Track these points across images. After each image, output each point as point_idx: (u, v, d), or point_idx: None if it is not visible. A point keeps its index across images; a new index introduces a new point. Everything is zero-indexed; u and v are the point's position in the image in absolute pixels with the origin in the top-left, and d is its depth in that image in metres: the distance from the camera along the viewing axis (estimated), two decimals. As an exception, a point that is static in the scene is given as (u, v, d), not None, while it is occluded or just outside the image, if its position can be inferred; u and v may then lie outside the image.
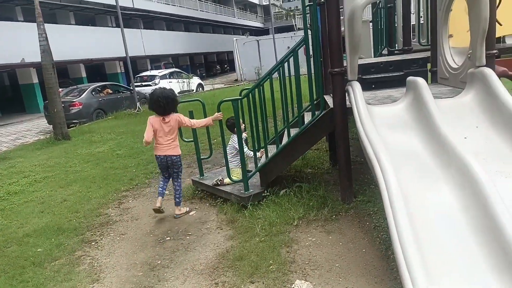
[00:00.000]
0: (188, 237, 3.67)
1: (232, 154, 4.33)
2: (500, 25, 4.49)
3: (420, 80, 3.23)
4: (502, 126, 2.89)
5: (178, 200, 4.20)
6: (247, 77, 24.39)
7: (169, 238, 3.73)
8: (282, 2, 48.52)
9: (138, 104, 14.08)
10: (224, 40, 36.08)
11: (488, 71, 3.14)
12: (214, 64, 38.34)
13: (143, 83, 18.76)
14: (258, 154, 4.24)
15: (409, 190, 2.43)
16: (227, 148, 4.25)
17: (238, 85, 22.03)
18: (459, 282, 1.99)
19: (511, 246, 1.96)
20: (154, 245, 3.63)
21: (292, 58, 3.91)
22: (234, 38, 26.47)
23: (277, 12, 45.10)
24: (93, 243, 3.81)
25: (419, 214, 2.30)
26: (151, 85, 18.40)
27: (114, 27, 24.58)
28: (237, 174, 4.24)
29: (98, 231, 4.07)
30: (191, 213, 4.20)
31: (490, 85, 3.06)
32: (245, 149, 4.15)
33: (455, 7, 3.94)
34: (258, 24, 48.12)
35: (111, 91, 14.63)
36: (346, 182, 3.70)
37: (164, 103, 3.92)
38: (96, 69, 24.57)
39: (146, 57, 26.63)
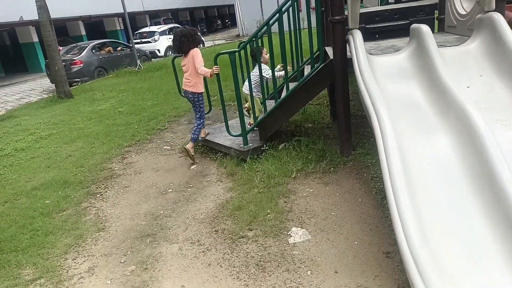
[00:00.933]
0: (189, 189, 3.74)
1: (255, 85, 4.23)
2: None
3: (424, 27, 3.10)
4: (506, 74, 2.81)
5: (193, 136, 4.37)
6: (249, 32, 23.68)
7: (171, 190, 3.81)
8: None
9: (138, 61, 13.85)
10: (225, -7, 34.72)
11: (497, 16, 3.00)
12: (215, 19, 37.14)
13: (143, 40, 18.36)
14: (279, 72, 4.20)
15: (406, 140, 2.42)
16: (251, 77, 4.15)
17: (240, 41, 21.52)
18: (451, 230, 2.02)
19: (505, 193, 1.97)
20: (156, 197, 3.72)
21: (290, 8, 3.76)
22: (234, -10, 25.41)
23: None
24: (98, 195, 3.91)
25: (415, 164, 2.31)
26: (151, 42, 18.02)
27: (112, -19, 23.66)
28: (258, 102, 4.27)
29: (103, 184, 4.17)
30: (192, 167, 4.26)
31: (497, 30, 2.93)
32: (276, 73, 4.09)
33: (465, -51, 3.71)
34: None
35: (111, 49, 14.35)
36: (345, 134, 3.69)
37: (178, 43, 4.11)
38: (95, 27, 23.94)
39: (145, 13, 25.84)
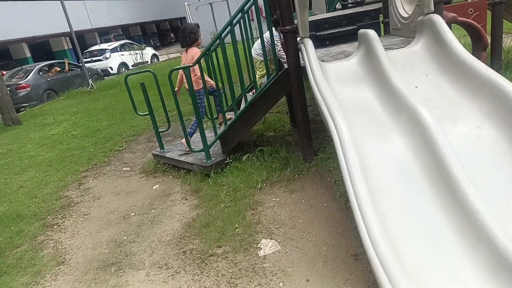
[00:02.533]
0: (153, 211, 3.62)
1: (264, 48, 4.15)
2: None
3: (371, 32, 3.22)
4: (450, 73, 2.96)
5: (189, 133, 4.33)
6: (203, 43, 23.62)
7: (133, 213, 3.67)
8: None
9: (90, 80, 13.39)
10: (175, 6, 34.33)
11: (437, 18, 3.16)
12: (168, 33, 36.75)
13: (93, 58, 17.79)
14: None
15: (363, 142, 2.48)
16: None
17: (195, 53, 21.38)
18: (413, 227, 2.09)
19: (458, 186, 2.07)
20: (118, 222, 3.57)
21: (242, 20, 3.77)
22: (186, 3, 25.32)
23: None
24: (55, 227, 3.69)
25: (373, 165, 2.37)
26: (102, 60, 17.51)
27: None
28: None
29: (60, 214, 3.94)
30: (154, 187, 4.13)
31: (438, 31, 3.09)
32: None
33: (402, -46, 3.91)
34: (210, -14, 46.14)
35: (59, 69, 13.76)
36: (306, 141, 3.73)
37: (181, 36, 4.25)
38: (41, 48, 22.90)
39: (93, 30, 25.08)
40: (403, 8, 3.96)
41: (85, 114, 8.90)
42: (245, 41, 4.18)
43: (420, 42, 3.25)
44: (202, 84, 4.04)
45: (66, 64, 14.15)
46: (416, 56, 3.18)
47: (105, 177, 4.77)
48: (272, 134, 4.88)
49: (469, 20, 4.31)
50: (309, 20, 4.54)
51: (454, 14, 4.27)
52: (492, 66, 4.71)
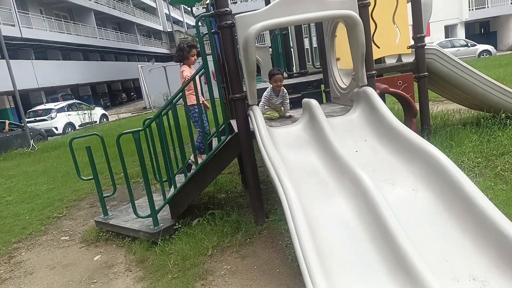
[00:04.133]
0: (92, 286, 3.34)
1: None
2: (378, 48, 5.10)
3: (313, 101, 3.47)
4: (385, 138, 3.22)
5: (197, 148, 4.29)
6: (156, 104, 23.82)
7: (71, 289, 3.35)
8: (187, 28, 48.87)
9: (31, 141, 12.74)
10: (128, 68, 34.83)
11: (370, 90, 3.51)
12: (119, 93, 36.72)
13: (37, 118, 17.11)
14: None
15: (309, 205, 2.57)
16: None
17: (147, 113, 21.37)
18: (359, 285, 2.12)
19: (399, 247, 2.16)
20: (53, 301, 3.23)
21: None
22: (139, 66, 25.76)
23: (183, 38, 45.24)
24: (-24, 310, 3.26)
25: (320, 227, 2.44)
26: (47, 120, 16.91)
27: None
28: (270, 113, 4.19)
29: (-18, 296, 3.50)
30: (95, 258, 3.85)
31: (372, 102, 3.42)
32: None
33: (339, 33, 4.37)
34: (164, 50, 47.60)
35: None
36: (257, 203, 3.75)
37: (176, 55, 4.41)
38: (-20, 106, 21.79)
39: (40, 89, 24.41)
40: (341, 80, 4.35)
41: (23, 177, 8.33)
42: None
43: (357, 111, 3.55)
44: (195, 100, 4.08)
45: (7, 124, 13.44)
46: (354, 123, 3.44)
47: (40, 248, 4.38)
48: (224, 196, 4.86)
49: (399, 91, 4.80)
50: (259, 87, 4.83)
51: (386, 86, 4.75)
52: (422, 130, 5.20)
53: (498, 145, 4.68)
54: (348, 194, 2.69)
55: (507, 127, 5.08)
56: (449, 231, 2.41)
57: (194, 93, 4.01)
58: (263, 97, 4.13)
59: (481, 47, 23.84)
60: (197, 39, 4.11)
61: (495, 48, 25.36)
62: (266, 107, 4.17)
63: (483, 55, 23.26)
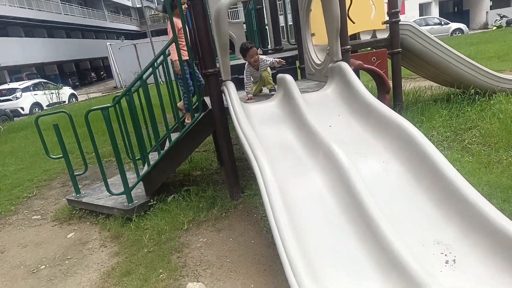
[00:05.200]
0: (67, 262, 3.30)
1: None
2: (353, 23, 5.12)
3: (288, 77, 3.47)
4: (359, 113, 3.27)
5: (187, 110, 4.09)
6: (127, 83, 23.15)
7: (44, 266, 3.30)
8: (158, 4, 47.21)
9: (-4, 121, 12.19)
10: (97, 46, 33.48)
11: (344, 65, 3.53)
12: (88, 72, 35.40)
13: (1, 98, 16.32)
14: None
15: (285, 180, 2.60)
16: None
17: (117, 93, 20.73)
18: (332, 257, 2.19)
19: (371, 218, 2.23)
20: (26, 277, 3.18)
21: (165, 62, 3.82)
22: (108, 43, 24.80)
23: (153, 14, 43.70)
24: None
25: (295, 201, 2.48)
26: (12, 100, 16.18)
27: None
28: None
29: (-49, 277, 3.38)
30: (69, 235, 3.79)
31: (346, 77, 3.45)
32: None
33: (314, 7, 4.34)
34: (133, 27, 45.94)
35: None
36: (232, 179, 3.77)
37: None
38: None
39: (2, 68, 23.19)
40: (316, 56, 4.35)
41: (-11, 158, 7.99)
42: (169, 82, 4.21)
43: (331, 86, 3.58)
44: (175, 56, 3.83)
45: None
46: (328, 99, 3.47)
47: (11, 228, 4.26)
48: (199, 173, 4.84)
49: (373, 67, 4.86)
50: (233, 64, 4.76)
51: (360, 62, 4.79)
52: (395, 106, 5.31)
53: (466, 120, 4.86)
54: (322, 169, 2.73)
55: (475, 103, 5.26)
56: (418, 201, 2.51)
57: (186, 48, 3.78)
58: (245, 77, 3.97)
59: (454, 25, 24.28)
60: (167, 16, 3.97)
61: (468, 26, 25.88)
62: (250, 89, 4.01)
63: (455, 33, 23.73)
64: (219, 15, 3.10)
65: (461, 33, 23.70)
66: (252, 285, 2.55)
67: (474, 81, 5.45)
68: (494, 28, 24.01)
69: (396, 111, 5.08)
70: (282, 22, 7.09)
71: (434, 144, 4.30)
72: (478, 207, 2.19)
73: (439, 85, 6.62)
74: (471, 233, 2.23)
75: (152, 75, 3.77)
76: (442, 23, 24.45)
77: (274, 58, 3.96)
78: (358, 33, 5.43)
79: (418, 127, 4.70)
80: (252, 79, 4.04)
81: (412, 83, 7.82)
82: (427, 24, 23.67)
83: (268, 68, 3.98)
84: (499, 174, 3.46)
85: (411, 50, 5.30)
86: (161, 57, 3.80)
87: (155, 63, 3.70)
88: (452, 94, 5.86)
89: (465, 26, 24.92)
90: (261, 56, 4.00)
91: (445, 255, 2.17)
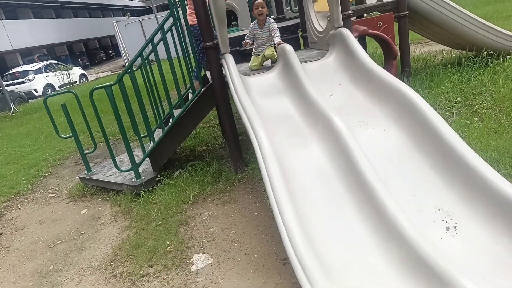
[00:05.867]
0: (81, 236, 3.45)
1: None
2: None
3: (287, 47, 3.41)
4: (360, 81, 3.22)
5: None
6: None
7: (60, 241, 3.47)
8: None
9: (12, 104, 12.45)
10: (103, 24, 33.30)
11: (345, 31, 3.43)
12: (97, 51, 35.42)
13: (15, 81, 16.58)
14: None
15: (283, 150, 2.62)
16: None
17: (128, 71, 20.76)
18: (329, 225, 2.22)
19: (369, 186, 2.24)
20: (44, 252, 3.35)
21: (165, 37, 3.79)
22: (114, 21, 24.60)
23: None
24: (-30, 266, 3.36)
25: (294, 171, 2.50)
26: (25, 82, 16.42)
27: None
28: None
29: (-24, 252, 3.60)
30: (83, 211, 3.93)
31: (347, 44, 3.36)
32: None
33: (315, -27, 4.21)
34: (139, 3, 45.30)
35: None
36: (236, 153, 3.80)
37: None
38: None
39: (15, 51, 23.44)
40: (318, 23, 4.25)
41: (7, 140, 8.24)
42: (180, 57, 4.16)
43: (333, 54, 3.51)
44: (192, 20, 3.84)
45: None
46: (329, 68, 3.42)
47: (29, 206, 4.46)
48: (205, 148, 4.90)
49: (379, 32, 4.72)
50: (235, 36, 4.69)
51: (365, 27, 4.65)
52: (402, 73, 5.19)
53: (477, 84, 4.70)
54: (321, 138, 2.72)
55: (488, 66, 5.08)
56: (418, 168, 2.49)
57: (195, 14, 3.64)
58: (248, 30, 3.81)
59: (471, -17, 23.03)
60: None
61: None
62: (248, 41, 3.83)
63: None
64: (214, -13, 3.04)
65: (479, -9, 22.47)
66: (256, 255, 2.63)
67: (487, 42, 5.24)
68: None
69: (403, 78, 5.04)
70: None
71: (442, 111, 4.26)
72: (479, 171, 2.15)
73: (450, 48, 6.39)
74: (473, 198, 2.20)
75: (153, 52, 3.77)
76: (458, -19, 23.18)
77: (278, 39, 3.73)
78: (363, -4, 5.24)
79: (426, 93, 4.65)
80: (252, 37, 3.81)
81: (424, 48, 7.57)
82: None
83: (272, 48, 3.79)
84: (508, 139, 3.36)
85: (419, 12, 5.10)
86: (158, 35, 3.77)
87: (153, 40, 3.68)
88: (463, 57, 5.66)
89: (484, -17, 23.59)
90: (270, 19, 3.81)
91: (446, 221, 2.16)
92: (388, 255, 2.04)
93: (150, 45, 3.71)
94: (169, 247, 2.88)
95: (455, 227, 2.14)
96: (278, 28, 3.99)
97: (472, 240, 2.05)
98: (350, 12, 3.73)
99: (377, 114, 2.90)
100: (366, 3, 5.31)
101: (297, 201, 2.29)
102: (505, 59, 5.13)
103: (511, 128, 3.57)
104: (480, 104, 4.24)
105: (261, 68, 3.97)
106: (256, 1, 3.67)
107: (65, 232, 3.62)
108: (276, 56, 3.70)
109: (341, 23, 3.50)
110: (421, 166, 2.50)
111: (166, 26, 3.72)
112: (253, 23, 3.82)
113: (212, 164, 4.02)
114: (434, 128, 2.47)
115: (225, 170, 3.90)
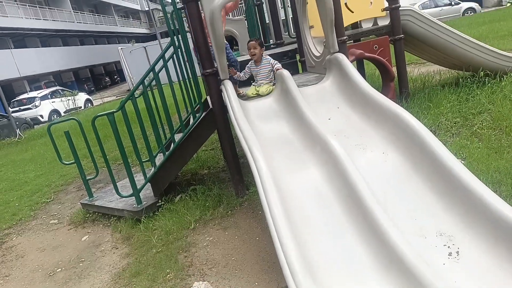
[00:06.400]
0: (81, 264, 3.43)
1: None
2: (352, 12, 5.05)
3: (285, 72, 3.48)
4: (358, 105, 3.25)
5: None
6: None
7: (59, 269, 3.44)
8: (165, 6, 47.53)
9: (18, 130, 12.62)
10: (109, 50, 34.05)
11: (341, 56, 3.50)
12: (103, 77, 36.07)
13: (22, 107, 16.88)
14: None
15: (282, 174, 2.62)
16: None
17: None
18: (330, 250, 2.20)
19: (368, 210, 2.23)
20: (43, 280, 3.33)
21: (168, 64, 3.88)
22: (119, 48, 25.17)
23: (162, 16, 44.05)
24: (-31, 296, 3.34)
25: (293, 197, 2.50)
26: (32, 108, 16.69)
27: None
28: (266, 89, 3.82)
29: (-24, 281, 3.58)
30: (83, 238, 3.92)
31: (343, 68, 3.42)
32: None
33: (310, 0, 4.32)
34: (143, 30, 46.43)
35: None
36: (237, 176, 3.81)
37: None
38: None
39: (22, 79, 23.92)
40: (316, 48, 4.34)
41: (11, 166, 8.33)
42: (181, 81, 4.24)
43: (329, 79, 3.56)
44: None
45: None
46: (327, 91, 3.46)
47: (31, 233, 4.45)
48: (206, 171, 4.91)
49: (374, 55, 4.80)
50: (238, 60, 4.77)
51: (361, 51, 4.74)
52: (401, 94, 5.24)
53: (476, 104, 4.72)
54: (319, 162, 2.73)
55: (485, 85, 5.11)
56: (417, 191, 2.47)
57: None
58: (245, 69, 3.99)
59: (465, 5, 23.33)
60: (175, 17, 4.04)
61: (481, 5, 24.84)
62: (242, 75, 3.97)
63: (467, 13, 22.88)
64: (212, 17, 3.13)
65: (473, 13, 22.79)
66: (256, 283, 2.60)
67: (483, 63, 5.30)
68: (509, 4, 23.07)
69: (402, 99, 5.08)
70: (283, 16, 7.04)
71: (441, 131, 4.27)
72: (480, 195, 2.12)
73: (448, 69, 6.46)
74: (474, 222, 2.16)
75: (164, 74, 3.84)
76: (453, 3, 23.54)
77: (277, 64, 3.82)
78: (360, 21, 5.35)
79: (425, 114, 4.67)
80: (248, 70, 3.96)
81: (422, 68, 7.66)
82: (436, 6, 22.77)
83: (268, 86, 3.80)
84: (509, 160, 3.33)
85: (414, 35, 5.20)
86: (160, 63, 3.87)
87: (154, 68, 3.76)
88: (461, 77, 5.71)
89: (477, 5, 23.87)
90: (267, 56, 3.93)
91: (448, 247, 2.13)
92: (390, 283, 2.00)
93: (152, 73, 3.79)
94: (168, 275, 2.85)
95: (457, 252, 2.11)
96: (277, 53, 4.06)
97: (475, 266, 2.01)
98: (345, 37, 3.81)
99: (375, 137, 2.91)
100: (362, 27, 5.41)
101: (296, 227, 2.28)
102: (502, 78, 5.17)
103: (512, 148, 3.57)
104: (480, 124, 4.24)
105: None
106: (249, 43, 3.85)
107: (65, 260, 3.60)
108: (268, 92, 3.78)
109: (337, 48, 3.57)
110: (420, 188, 2.49)
111: (167, 55, 3.82)
112: (251, 61, 3.95)
113: (213, 188, 4.03)
114: (431, 151, 2.47)
115: (226, 194, 3.90)
